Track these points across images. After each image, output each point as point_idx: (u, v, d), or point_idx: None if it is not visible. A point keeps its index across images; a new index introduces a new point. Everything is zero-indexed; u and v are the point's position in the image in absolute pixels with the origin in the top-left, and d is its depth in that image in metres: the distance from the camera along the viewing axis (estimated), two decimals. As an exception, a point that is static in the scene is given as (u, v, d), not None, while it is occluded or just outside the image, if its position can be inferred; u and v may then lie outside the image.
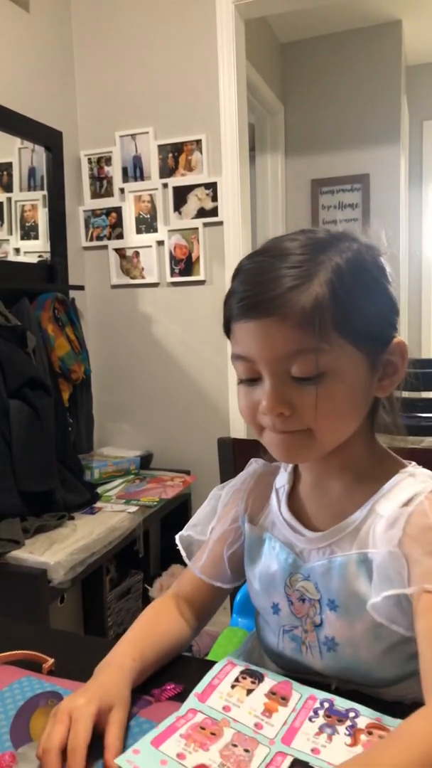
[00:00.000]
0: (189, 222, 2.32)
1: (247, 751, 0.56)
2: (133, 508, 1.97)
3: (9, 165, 2.20)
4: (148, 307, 2.45)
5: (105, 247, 2.46)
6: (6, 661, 0.71)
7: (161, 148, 2.33)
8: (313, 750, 0.56)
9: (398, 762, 0.48)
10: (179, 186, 2.31)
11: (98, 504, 1.99)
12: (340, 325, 0.59)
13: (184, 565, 0.82)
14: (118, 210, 2.42)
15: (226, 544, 0.76)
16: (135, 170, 2.38)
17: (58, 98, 2.35)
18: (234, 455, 1.08)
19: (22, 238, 2.26)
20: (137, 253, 2.42)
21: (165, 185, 2.34)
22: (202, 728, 0.58)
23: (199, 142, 2.27)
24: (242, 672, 0.66)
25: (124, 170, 2.40)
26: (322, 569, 0.66)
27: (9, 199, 2.21)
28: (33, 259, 2.28)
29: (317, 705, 0.61)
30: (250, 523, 0.75)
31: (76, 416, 2.25)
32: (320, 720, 0.59)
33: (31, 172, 2.26)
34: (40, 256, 2.29)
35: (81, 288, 2.42)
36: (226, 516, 0.78)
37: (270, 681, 0.64)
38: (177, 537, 0.82)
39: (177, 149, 2.31)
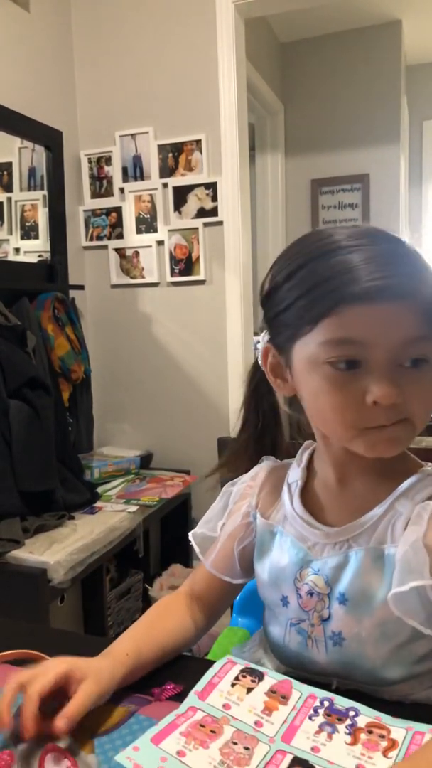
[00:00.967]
0: (189, 222, 2.32)
1: (247, 749, 0.56)
2: (133, 508, 1.97)
3: (9, 165, 2.20)
4: (148, 307, 2.45)
5: (105, 246, 2.46)
6: (6, 660, 0.71)
7: (161, 147, 2.33)
8: (313, 748, 0.56)
9: None
10: (179, 186, 2.31)
11: (98, 504, 1.99)
12: None
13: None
14: (118, 210, 2.42)
15: (237, 539, 0.76)
16: (135, 170, 2.39)
17: (58, 98, 2.35)
18: (234, 455, 1.08)
19: (22, 237, 2.26)
20: (137, 253, 2.42)
21: (165, 185, 2.34)
22: (202, 726, 0.58)
23: (199, 142, 2.27)
24: (242, 670, 0.66)
25: (124, 170, 2.40)
26: (336, 563, 0.66)
27: (9, 199, 2.21)
28: (33, 259, 2.29)
29: (317, 703, 0.61)
30: (261, 517, 0.76)
31: (76, 416, 2.25)
32: (320, 718, 0.59)
33: (31, 171, 2.26)
34: (40, 256, 2.29)
35: (81, 288, 2.42)
36: (237, 511, 0.78)
37: (270, 680, 0.64)
38: (190, 534, 0.82)
39: (177, 149, 2.31)
